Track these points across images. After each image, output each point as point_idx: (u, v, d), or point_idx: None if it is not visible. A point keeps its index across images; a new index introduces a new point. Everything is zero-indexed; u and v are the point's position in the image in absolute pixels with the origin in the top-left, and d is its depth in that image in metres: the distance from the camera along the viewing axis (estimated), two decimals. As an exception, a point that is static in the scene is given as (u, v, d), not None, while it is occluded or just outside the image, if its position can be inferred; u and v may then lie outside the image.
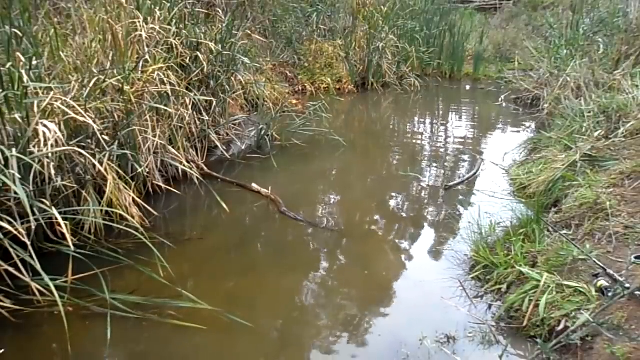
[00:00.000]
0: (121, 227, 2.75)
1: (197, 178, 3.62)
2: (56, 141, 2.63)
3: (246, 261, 3.00)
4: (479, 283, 2.71)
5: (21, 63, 2.68)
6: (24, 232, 2.25)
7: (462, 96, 8.39)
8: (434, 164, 4.93)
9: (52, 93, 2.75)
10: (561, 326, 2.12)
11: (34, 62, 2.79)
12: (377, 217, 3.71)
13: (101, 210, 2.90)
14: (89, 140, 3.02)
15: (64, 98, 2.83)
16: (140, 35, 3.60)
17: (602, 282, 2.20)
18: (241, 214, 3.61)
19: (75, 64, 3.36)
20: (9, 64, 2.61)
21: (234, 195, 3.79)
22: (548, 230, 2.90)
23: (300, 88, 7.19)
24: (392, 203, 3.98)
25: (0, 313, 2.24)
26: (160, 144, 3.63)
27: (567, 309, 2.17)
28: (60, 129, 2.71)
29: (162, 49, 3.91)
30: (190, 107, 4.03)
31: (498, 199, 3.74)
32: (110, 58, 3.47)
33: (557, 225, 2.96)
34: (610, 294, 2.10)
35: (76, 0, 3.75)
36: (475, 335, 2.30)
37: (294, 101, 6.33)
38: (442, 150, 5.43)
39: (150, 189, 3.58)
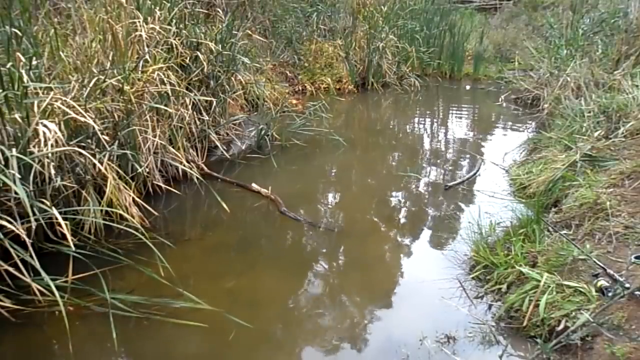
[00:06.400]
0: (121, 227, 2.74)
1: (197, 178, 3.62)
2: (56, 141, 2.63)
3: (246, 261, 3.00)
4: (479, 283, 2.71)
5: (21, 63, 2.67)
6: (24, 232, 2.25)
7: (462, 96, 8.38)
8: (434, 164, 4.93)
9: (52, 93, 2.75)
10: (561, 326, 2.12)
11: (34, 62, 2.79)
12: (377, 217, 3.71)
13: (101, 210, 2.90)
14: (89, 140, 3.02)
15: (64, 98, 2.82)
16: (140, 35, 3.60)
17: (602, 282, 2.20)
18: (241, 214, 3.61)
19: (75, 64, 3.36)
20: (9, 64, 2.61)
21: (234, 195, 3.79)
22: (548, 230, 2.90)
23: (300, 88, 7.19)
24: (392, 203, 3.98)
25: (0, 313, 2.24)
26: (160, 144, 3.63)
27: (567, 309, 2.17)
28: (60, 129, 2.70)
29: (162, 49, 3.90)
30: (190, 107, 4.03)
31: (498, 199, 3.74)
32: (110, 58, 3.47)
33: (557, 225, 2.96)
34: (610, 294, 2.11)
35: (76, 0, 3.75)
36: (475, 335, 2.30)
37: (294, 101, 6.33)
38: (442, 150, 5.44)
39: (150, 189, 3.58)
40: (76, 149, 2.75)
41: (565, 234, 2.77)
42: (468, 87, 8.79)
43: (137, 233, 2.57)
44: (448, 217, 3.64)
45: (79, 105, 2.86)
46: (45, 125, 2.61)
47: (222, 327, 2.32)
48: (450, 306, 2.51)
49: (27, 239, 2.22)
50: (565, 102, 5.02)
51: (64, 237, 2.36)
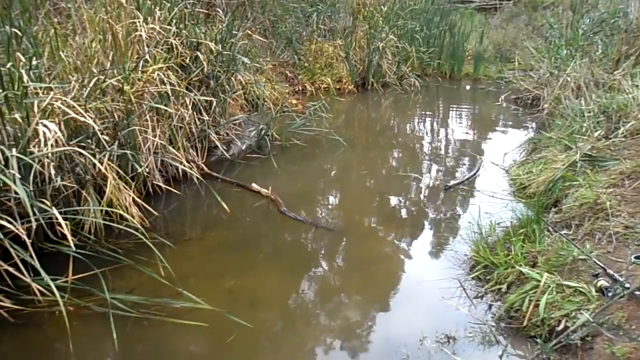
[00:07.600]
0: (121, 227, 2.74)
1: (197, 178, 3.62)
2: (56, 141, 2.63)
3: (246, 261, 3.00)
4: (479, 283, 2.71)
5: (21, 63, 2.67)
6: (24, 232, 2.25)
7: (462, 96, 8.38)
8: (434, 164, 4.93)
9: (52, 93, 2.75)
10: (561, 326, 2.13)
11: (34, 62, 2.79)
12: (377, 217, 3.71)
13: (101, 210, 2.90)
14: (89, 140, 3.02)
15: (64, 98, 2.82)
16: (140, 35, 3.60)
17: (602, 282, 2.20)
18: (241, 214, 3.61)
19: (75, 64, 3.36)
20: (9, 64, 2.61)
21: (234, 195, 3.79)
22: (548, 230, 2.90)
23: (300, 88, 7.19)
24: (392, 203, 3.98)
25: (0, 313, 2.24)
26: (160, 144, 3.63)
27: (567, 309, 2.17)
28: (60, 129, 2.70)
29: (162, 49, 3.90)
30: (190, 107, 4.03)
31: (498, 199, 3.74)
32: (110, 58, 3.47)
33: (557, 225, 2.96)
34: (610, 294, 2.11)
35: (76, 0, 3.75)
36: (475, 335, 2.30)
37: (294, 101, 6.33)
38: (442, 150, 5.43)
39: (150, 189, 3.58)
40: (76, 149, 2.75)
41: (565, 234, 2.77)
42: (468, 87, 8.79)
43: (137, 233, 2.57)
44: (448, 217, 3.64)
45: (79, 105, 2.86)
46: (45, 125, 2.61)
47: (222, 327, 2.32)
48: (450, 306, 2.51)
49: (27, 239, 2.22)
50: (565, 102, 5.02)
51: (64, 237, 2.36)
